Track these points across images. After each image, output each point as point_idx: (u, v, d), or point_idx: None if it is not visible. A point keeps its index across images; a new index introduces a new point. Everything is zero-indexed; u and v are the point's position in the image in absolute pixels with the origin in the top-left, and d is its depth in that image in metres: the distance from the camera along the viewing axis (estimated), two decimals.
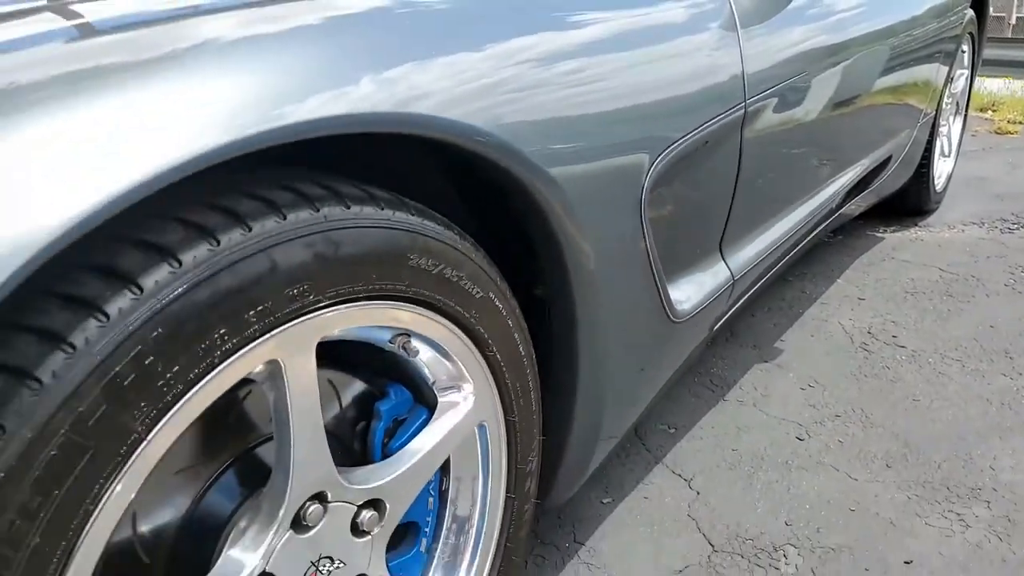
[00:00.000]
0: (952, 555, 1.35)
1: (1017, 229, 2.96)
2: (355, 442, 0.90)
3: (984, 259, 2.66)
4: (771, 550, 1.38)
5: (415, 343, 0.85)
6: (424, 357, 0.88)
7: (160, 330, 0.58)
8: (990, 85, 6.29)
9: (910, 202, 3.03)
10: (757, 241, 1.65)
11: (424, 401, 0.94)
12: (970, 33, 3.00)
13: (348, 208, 0.72)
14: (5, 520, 0.51)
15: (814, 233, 2.11)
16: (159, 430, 0.60)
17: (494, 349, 0.92)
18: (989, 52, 7.11)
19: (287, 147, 0.63)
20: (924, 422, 1.74)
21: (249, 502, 0.76)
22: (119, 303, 0.56)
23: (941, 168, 3.17)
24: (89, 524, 0.56)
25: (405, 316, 0.80)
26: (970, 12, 2.86)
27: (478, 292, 0.87)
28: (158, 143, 0.55)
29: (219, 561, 0.72)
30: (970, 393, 1.84)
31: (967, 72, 3.19)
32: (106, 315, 0.56)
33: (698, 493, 1.53)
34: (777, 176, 1.69)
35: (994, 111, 5.27)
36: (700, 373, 1.96)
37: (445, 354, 0.88)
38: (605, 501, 1.51)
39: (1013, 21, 12.15)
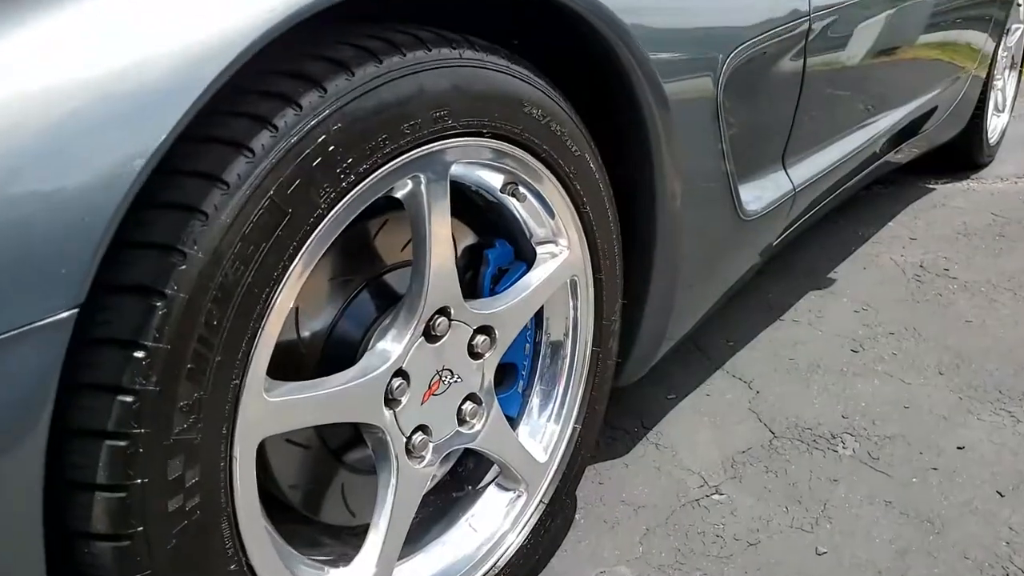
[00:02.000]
0: (1003, 442, 1.43)
1: None
2: (467, 283, 1.02)
3: None
4: (829, 437, 1.47)
5: (523, 190, 0.96)
6: (527, 209, 1.00)
7: (339, 124, 0.70)
8: None
9: (962, 154, 3.06)
10: (815, 158, 1.73)
11: (523, 257, 1.05)
12: None
13: (477, 52, 0.83)
14: (227, 262, 0.64)
15: (865, 171, 2.18)
16: (335, 212, 0.72)
17: (587, 207, 1.03)
18: None
19: None
20: (976, 338, 1.81)
21: (391, 310, 0.88)
22: (309, 98, 0.68)
23: (995, 123, 3.18)
24: (282, 283, 0.69)
25: (517, 160, 0.92)
26: None
27: (576, 150, 0.98)
28: None
29: (365, 354, 0.85)
30: (1020, 316, 1.91)
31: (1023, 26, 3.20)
32: (299, 106, 0.68)
33: (757, 392, 1.63)
34: (835, 98, 1.77)
35: None
36: (756, 297, 2.04)
37: (546, 205, 0.99)
38: (669, 397, 1.61)
39: None
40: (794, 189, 1.62)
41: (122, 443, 0.61)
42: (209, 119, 0.64)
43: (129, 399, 0.61)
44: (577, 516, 1.28)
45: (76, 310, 0.55)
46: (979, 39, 2.63)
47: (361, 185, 0.74)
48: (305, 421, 0.78)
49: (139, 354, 0.61)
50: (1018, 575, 1.14)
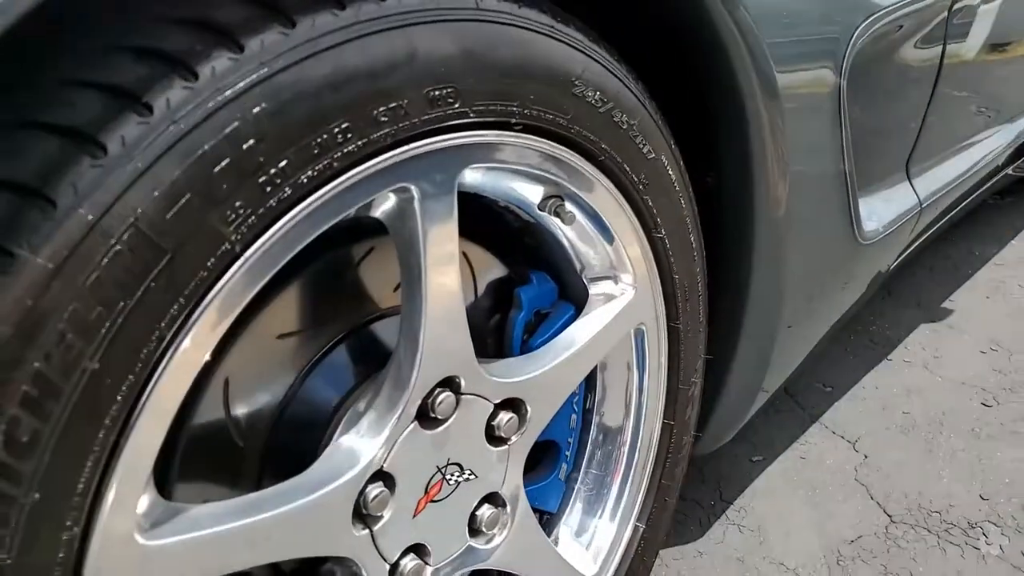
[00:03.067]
0: None
1: None
2: (490, 335, 0.74)
3: None
4: (966, 527, 1.14)
5: (570, 208, 0.67)
6: (577, 233, 0.71)
7: (264, 105, 0.43)
8: None
9: None
10: (943, 168, 1.40)
11: (571, 297, 0.77)
12: None
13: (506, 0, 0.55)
14: (51, 334, 0.37)
15: (990, 184, 1.82)
16: (258, 251, 0.45)
17: (662, 231, 0.74)
18: None
19: None
20: None
21: (369, 382, 0.61)
22: (213, 62, 0.41)
23: None
24: (164, 359, 0.42)
25: (562, 165, 0.63)
26: None
27: (649, 152, 0.69)
28: None
29: (327, 451, 0.58)
30: None
31: None
32: (194, 75, 0.41)
33: (865, 457, 1.30)
34: (971, 96, 1.43)
35: None
36: (857, 331, 1.71)
37: (603, 227, 0.70)
38: (755, 459, 1.30)
39: None
40: (920, 204, 1.29)
41: None
42: (34, 92, 0.38)
43: None
44: None
45: None
46: None
47: (305, 204, 0.46)
48: (225, 567, 0.51)
49: None
50: None
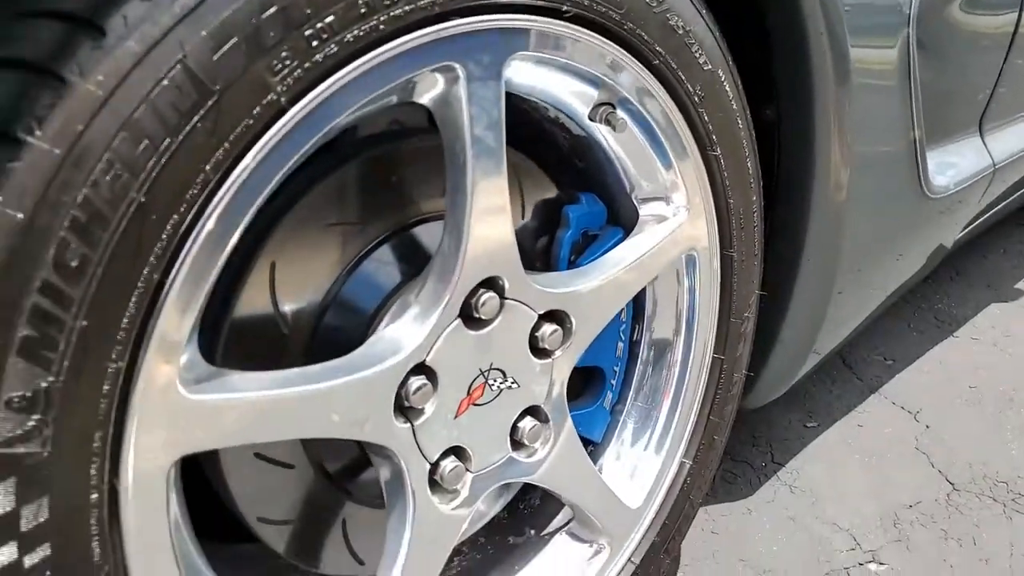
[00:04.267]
0: None
1: None
2: (537, 256, 0.73)
3: None
4: None
5: (621, 114, 0.66)
6: (628, 148, 0.70)
7: None
8: None
9: None
10: (1021, 128, 1.33)
11: (620, 220, 0.76)
12: None
13: None
14: (99, 161, 0.38)
15: None
16: (304, 109, 0.45)
17: (717, 149, 0.72)
18: None
19: None
20: None
21: (415, 278, 0.61)
22: None
23: None
24: (209, 207, 0.42)
25: (616, 66, 0.62)
26: None
27: (706, 63, 0.67)
28: None
29: (371, 338, 0.57)
30: None
31: None
32: None
33: (927, 427, 1.25)
34: None
35: None
36: (921, 307, 1.65)
37: (656, 141, 0.69)
38: (809, 425, 1.26)
39: None
40: (993, 165, 1.23)
41: None
42: None
43: None
44: (680, 575, 0.97)
45: None
46: None
47: (350, 67, 0.46)
48: (261, 434, 0.51)
49: None
50: None
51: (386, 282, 0.61)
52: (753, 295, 0.83)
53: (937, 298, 1.69)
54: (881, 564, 0.98)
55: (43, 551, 0.41)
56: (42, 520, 0.40)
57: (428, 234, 0.64)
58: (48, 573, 0.41)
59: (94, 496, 0.42)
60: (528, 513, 0.82)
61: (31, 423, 0.39)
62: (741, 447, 1.20)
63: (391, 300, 0.60)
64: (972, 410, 1.29)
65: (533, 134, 0.71)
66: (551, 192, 0.74)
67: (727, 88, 0.71)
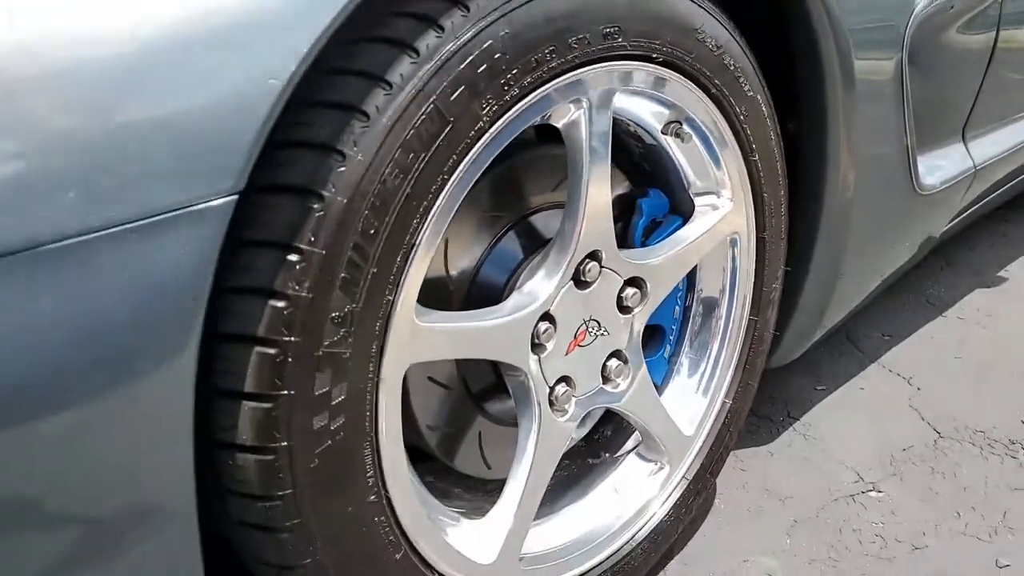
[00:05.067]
0: None
1: None
2: (617, 233, 0.95)
3: None
4: (1006, 443, 1.31)
5: (687, 128, 0.88)
6: (688, 155, 0.92)
7: (506, 30, 0.65)
8: None
9: None
10: (999, 135, 1.55)
11: (679, 210, 0.98)
12: None
13: None
14: (389, 167, 0.60)
15: None
16: (496, 129, 0.67)
17: (756, 156, 0.94)
18: None
19: None
20: None
21: (539, 250, 0.83)
22: (476, 0, 0.64)
23: None
24: (438, 202, 0.64)
25: (685, 94, 0.84)
26: None
27: (749, 90, 0.90)
28: None
29: (513, 293, 0.80)
30: None
31: None
32: (466, 7, 0.63)
33: (919, 389, 1.47)
34: None
35: None
36: (913, 292, 1.86)
37: (711, 149, 0.91)
38: (819, 388, 1.48)
39: None
40: (974, 167, 1.45)
41: (271, 351, 0.58)
42: (373, 18, 0.61)
43: (281, 304, 0.58)
44: (717, 502, 1.19)
45: (234, 198, 0.53)
46: None
47: (523, 102, 0.68)
48: (453, 352, 0.74)
49: (293, 257, 0.58)
50: None
51: (520, 254, 0.83)
52: (780, 269, 1.05)
53: (929, 284, 1.91)
54: (879, 492, 1.20)
55: (340, 419, 0.63)
56: (342, 398, 0.62)
57: (547, 219, 0.86)
58: (342, 433, 0.63)
59: (369, 384, 0.64)
60: (601, 441, 1.04)
61: (341, 333, 0.61)
62: (762, 405, 1.42)
63: (523, 266, 0.83)
64: (957, 376, 1.52)
65: (616, 143, 0.93)
66: (627, 187, 0.96)
67: (763, 109, 0.93)
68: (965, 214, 1.61)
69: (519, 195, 0.85)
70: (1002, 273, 1.99)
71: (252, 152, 0.52)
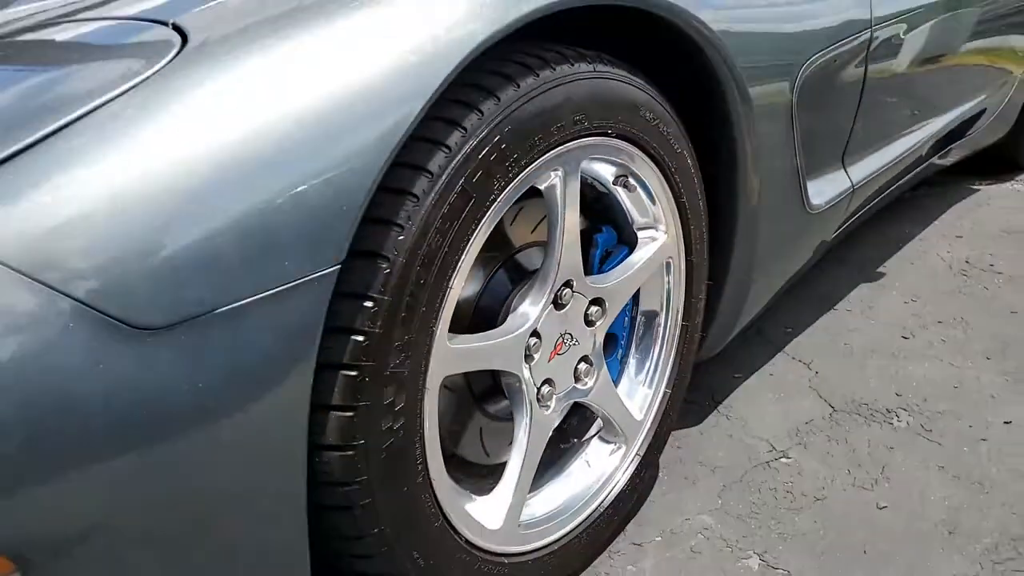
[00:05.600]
0: None
1: None
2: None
3: None
4: (884, 412, 1.62)
5: (632, 181, 1.13)
6: (633, 200, 1.16)
7: (509, 127, 0.87)
8: None
9: (1007, 156, 3.16)
10: (871, 159, 1.88)
11: (626, 241, 1.22)
12: None
13: (606, 66, 1.00)
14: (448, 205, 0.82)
15: (913, 172, 2.31)
16: (502, 197, 0.89)
17: (683, 197, 1.19)
18: None
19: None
20: (1020, 328, 1.93)
21: (526, 280, 1.06)
22: (487, 105, 0.86)
23: None
24: (477, 230, 0.87)
25: (630, 156, 1.08)
26: None
27: (678, 148, 1.15)
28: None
29: (509, 316, 1.03)
30: None
31: None
32: (481, 112, 0.85)
33: (816, 372, 1.77)
34: (891, 103, 1.91)
35: None
36: (811, 289, 2.18)
37: (650, 195, 1.15)
38: (736, 376, 1.77)
39: None
40: (852, 186, 1.76)
41: (353, 373, 0.79)
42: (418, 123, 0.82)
43: (360, 339, 0.79)
44: (661, 474, 1.44)
45: (339, 267, 0.73)
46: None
47: (520, 175, 0.91)
48: (472, 366, 0.96)
49: (369, 304, 0.79)
50: None
51: (510, 284, 1.06)
52: (704, 283, 1.32)
53: (822, 281, 2.24)
54: (788, 458, 1.49)
55: (401, 420, 0.84)
56: (402, 405, 0.83)
57: (528, 256, 1.09)
58: (402, 432, 0.84)
59: (419, 394, 0.85)
60: (570, 429, 1.28)
61: (402, 357, 0.82)
62: (691, 393, 1.68)
63: (514, 294, 1.05)
64: (846, 360, 1.83)
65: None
66: (586, 225, 1.20)
67: (689, 160, 1.18)
68: (849, 222, 1.93)
69: (506, 238, 1.08)
70: (881, 268, 2.34)
71: (352, 231, 0.73)
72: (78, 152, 0.63)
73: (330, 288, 0.73)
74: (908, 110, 2.10)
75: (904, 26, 1.78)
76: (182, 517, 0.71)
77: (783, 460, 1.48)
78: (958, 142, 2.58)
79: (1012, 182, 3.13)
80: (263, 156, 0.69)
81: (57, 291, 0.60)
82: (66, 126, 0.64)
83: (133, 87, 0.67)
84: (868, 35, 1.59)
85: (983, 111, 2.65)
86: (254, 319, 0.68)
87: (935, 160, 2.48)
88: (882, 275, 2.29)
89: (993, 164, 3.15)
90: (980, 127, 2.68)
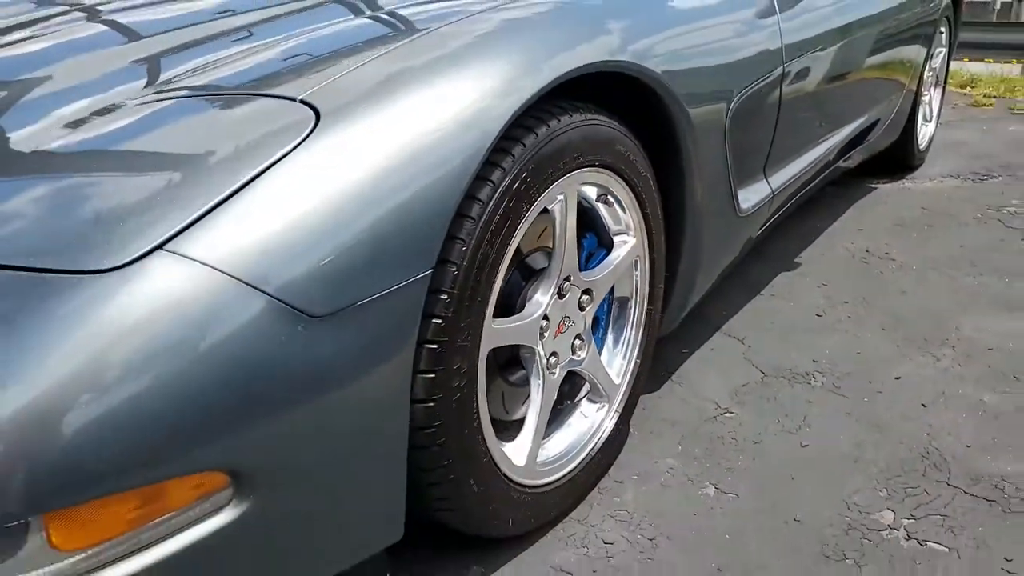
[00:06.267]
0: (927, 374, 1.99)
1: (986, 180, 3.59)
2: None
3: (958, 201, 3.30)
4: (803, 375, 2.01)
5: (610, 198, 1.47)
6: (610, 212, 1.50)
7: (533, 166, 1.20)
8: (972, 67, 6.88)
9: (898, 159, 3.66)
10: (787, 168, 2.27)
11: (604, 244, 1.56)
12: (947, 17, 3.62)
13: (595, 114, 1.34)
14: (477, 214, 1.13)
15: (822, 176, 2.73)
16: (528, 215, 1.22)
17: (647, 210, 1.54)
18: (974, 36, 7.69)
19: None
20: (909, 305, 2.37)
21: (536, 276, 1.38)
22: (516, 150, 1.18)
23: (924, 131, 3.79)
24: (516, 232, 1.19)
25: (610, 180, 1.42)
26: None
27: (643, 171, 1.50)
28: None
29: (528, 302, 1.35)
30: (943, 288, 2.48)
31: (945, 49, 3.81)
32: (513, 156, 1.17)
33: (750, 346, 2.16)
34: (801, 120, 2.32)
35: (972, 87, 5.90)
36: (742, 278, 2.58)
37: (624, 208, 1.50)
38: (684, 351, 2.14)
39: (998, 7, 12.77)
40: (772, 192, 2.15)
41: (434, 346, 1.10)
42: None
43: (439, 321, 1.10)
44: (631, 429, 1.79)
45: (432, 270, 1.04)
46: (911, 62, 3.22)
47: (539, 199, 1.24)
48: (505, 341, 1.28)
49: (444, 296, 1.10)
50: (935, 452, 1.68)
51: (523, 280, 1.38)
52: (662, 276, 1.67)
53: (750, 272, 2.64)
54: (731, 413, 1.86)
55: (464, 380, 1.15)
56: (465, 369, 1.15)
57: (536, 258, 1.42)
58: (465, 388, 1.16)
59: (476, 360, 1.17)
60: (566, 392, 1.61)
61: (466, 334, 1.13)
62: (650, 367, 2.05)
63: (530, 286, 1.38)
64: (773, 334, 2.22)
65: None
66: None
67: (651, 181, 1.53)
68: (770, 221, 2.32)
69: (528, 239, 1.40)
70: (797, 259, 2.76)
71: (440, 245, 1.04)
72: (269, 199, 0.93)
73: (427, 285, 1.04)
74: (816, 124, 2.51)
75: (811, 54, 2.18)
76: (331, 451, 1.00)
77: (727, 415, 1.85)
78: (858, 148, 3.03)
79: (903, 181, 3.63)
80: (384, 197, 1.00)
81: (265, 293, 0.90)
82: (255, 179, 0.94)
83: (295, 147, 0.96)
84: (781, 69, 1.98)
85: (878, 120, 3.11)
86: (381, 308, 0.99)
87: (840, 164, 2.92)
88: (798, 264, 2.71)
89: (887, 165, 3.64)
90: (876, 134, 3.15)
